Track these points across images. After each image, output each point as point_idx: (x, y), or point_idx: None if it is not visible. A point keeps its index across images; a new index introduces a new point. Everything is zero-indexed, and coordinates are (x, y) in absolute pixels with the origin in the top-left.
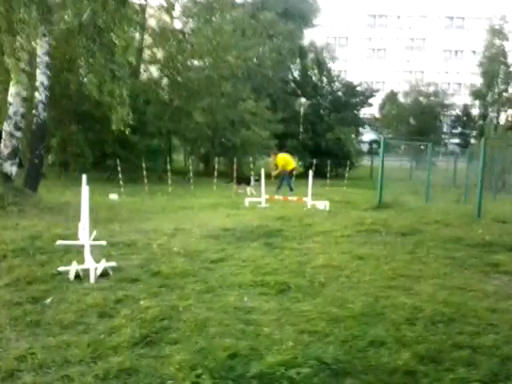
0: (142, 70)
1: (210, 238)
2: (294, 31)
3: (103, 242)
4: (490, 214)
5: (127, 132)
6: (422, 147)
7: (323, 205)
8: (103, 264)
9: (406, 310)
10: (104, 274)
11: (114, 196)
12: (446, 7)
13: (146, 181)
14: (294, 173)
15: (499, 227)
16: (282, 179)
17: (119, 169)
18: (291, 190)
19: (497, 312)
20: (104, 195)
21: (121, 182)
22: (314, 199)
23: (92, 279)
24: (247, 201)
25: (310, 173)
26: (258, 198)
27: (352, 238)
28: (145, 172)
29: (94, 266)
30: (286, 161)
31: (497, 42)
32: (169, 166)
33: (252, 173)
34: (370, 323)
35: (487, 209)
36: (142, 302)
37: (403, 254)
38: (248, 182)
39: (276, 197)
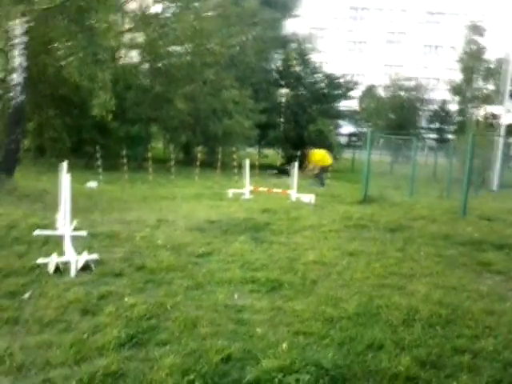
0: (121, 55)
1: (195, 230)
2: (276, 20)
3: (84, 233)
4: (475, 210)
5: (109, 118)
6: (400, 141)
7: (308, 198)
8: (85, 257)
9: (401, 310)
10: (85, 268)
11: (92, 184)
12: (426, 2)
13: (125, 169)
14: (330, 169)
15: (485, 225)
16: (322, 173)
17: (98, 156)
18: (322, 185)
19: (493, 314)
20: (82, 183)
21: (99, 170)
22: (298, 192)
23: (73, 273)
24: (230, 192)
25: (295, 164)
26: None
27: (340, 233)
28: (124, 159)
29: (74, 259)
30: (323, 156)
31: (476, 38)
32: (150, 154)
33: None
34: (366, 324)
35: (471, 205)
36: (126, 299)
37: (393, 251)
38: (288, 174)
39: (260, 188)
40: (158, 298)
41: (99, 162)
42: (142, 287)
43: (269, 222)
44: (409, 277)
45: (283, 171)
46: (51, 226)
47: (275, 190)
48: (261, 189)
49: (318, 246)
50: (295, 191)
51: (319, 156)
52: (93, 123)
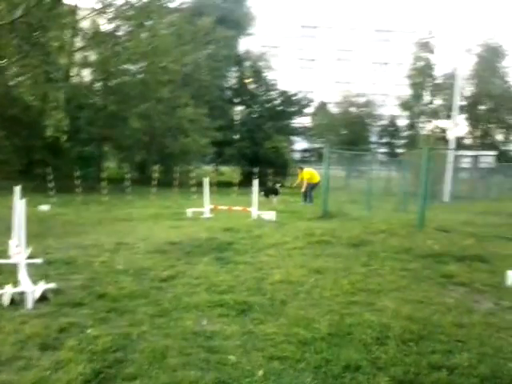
0: (73, 73)
1: (156, 253)
2: (230, 38)
3: (39, 260)
4: (431, 223)
5: (63, 138)
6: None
7: (269, 215)
8: (42, 286)
9: (373, 328)
10: (43, 298)
11: (45, 207)
12: (373, 20)
13: (78, 190)
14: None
15: (444, 236)
16: (311, 190)
17: (49, 177)
18: (311, 201)
19: (463, 327)
20: (33, 206)
21: (51, 192)
22: (258, 209)
23: (30, 304)
24: (189, 211)
25: (255, 182)
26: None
27: (304, 250)
28: (77, 181)
29: (31, 289)
30: (312, 175)
31: (424, 54)
32: (103, 175)
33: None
34: (340, 345)
35: (426, 217)
36: (89, 331)
37: (359, 266)
38: (276, 193)
39: (220, 207)
40: (123, 328)
41: (51, 184)
42: (104, 317)
43: (232, 241)
44: (376, 292)
45: (272, 191)
46: (3, 253)
47: (235, 208)
48: (221, 207)
49: (283, 265)
50: (256, 209)
51: (308, 174)
52: (43, 144)
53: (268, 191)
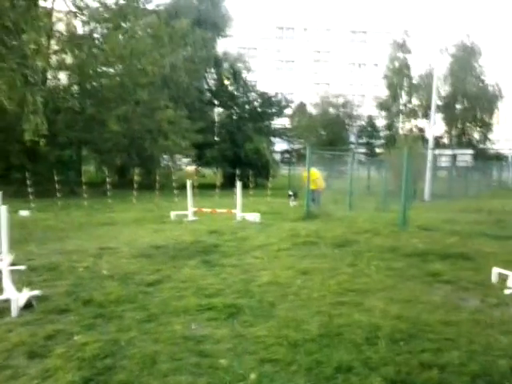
0: (49, 76)
1: (141, 257)
2: (208, 40)
3: (22, 267)
4: (413, 221)
5: (41, 143)
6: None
7: (253, 217)
8: (26, 293)
9: (363, 328)
10: (28, 306)
11: (24, 213)
12: (349, 21)
13: (58, 195)
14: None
15: (426, 235)
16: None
17: (28, 182)
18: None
19: (451, 325)
20: (12, 212)
21: (30, 197)
22: (242, 211)
23: (14, 312)
24: (173, 214)
25: (238, 184)
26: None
27: (291, 251)
28: (57, 185)
29: (15, 297)
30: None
31: (400, 55)
32: (83, 179)
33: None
34: (331, 346)
35: (408, 216)
36: (76, 338)
37: (345, 266)
38: (295, 196)
39: (204, 209)
40: (111, 334)
41: (30, 189)
42: (91, 323)
43: (217, 243)
44: (364, 292)
45: (295, 194)
46: None
47: (219, 211)
48: (205, 209)
49: (270, 266)
50: (240, 210)
51: (315, 176)
52: (21, 148)
53: (295, 195)
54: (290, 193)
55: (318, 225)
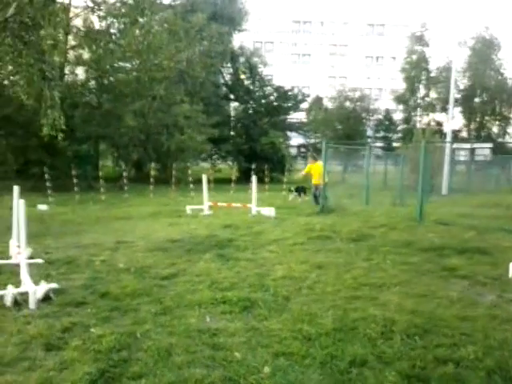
0: (67, 72)
1: (156, 250)
2: (224, 34)
3: (40, 261)
4: (430, 216)
5: (59, 137)
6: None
7: (268, 211)
8: (44, 286)
9: (377, 322)
10: (45, 298)
11: (43, 207)
12: (366, 14)
13: (75, 189)
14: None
15: (443, 230)
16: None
17: (46, 177)
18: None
19: (467, 320)
20: (30, 206)
21: (48, 191)
22: (257, 205)
23: (32, 305)
24: (188, 208)
25: (254, 178)
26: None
27: (305, 245)
28: (74, 179)
29: (33, 289)
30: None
31: (418, 48)
32: (100, 173)
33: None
34: (345, 340)
35: (425, 211)
36: (93, 330)
37: (360, 261)
38: (304, 191)
39: (219, 203)
40: (127, 327)
41: (48, 184)
42: (107, 316)
43: (232, 237)
44: (379, 287)
45: (302, 190)
46: (3, 254)
47: (234, 205)
48: (220, 204)
49: (285, 261)
50: (255, 205)
51: (320, 169)
52: (39, 143)
53: (300, 190)
54: (292, 188)
55: (333, 219)
